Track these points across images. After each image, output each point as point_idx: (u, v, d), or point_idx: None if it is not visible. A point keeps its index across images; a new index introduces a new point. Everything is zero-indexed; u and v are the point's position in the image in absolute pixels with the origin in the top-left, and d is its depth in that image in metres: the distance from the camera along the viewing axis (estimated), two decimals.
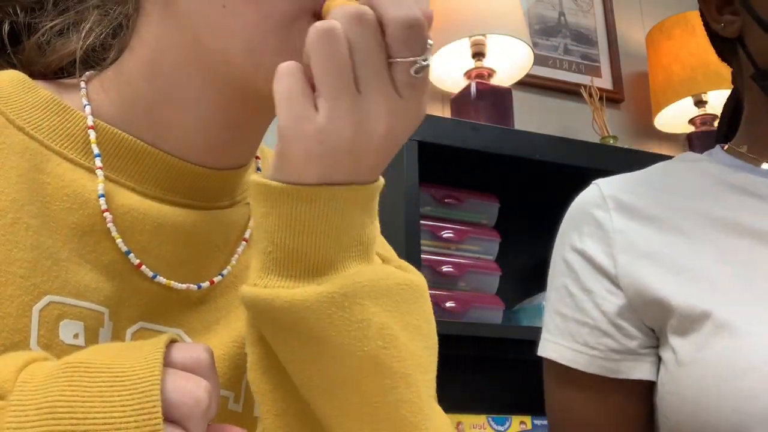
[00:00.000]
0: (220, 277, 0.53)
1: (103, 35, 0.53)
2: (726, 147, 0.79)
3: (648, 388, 0.71)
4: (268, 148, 0.63)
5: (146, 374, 0.35)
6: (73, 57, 0.52)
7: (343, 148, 0.40)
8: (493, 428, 1.38)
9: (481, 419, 1.37)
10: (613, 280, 0.72)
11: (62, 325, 0.44)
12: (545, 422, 1.43)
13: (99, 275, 0.47)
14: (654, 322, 0.70)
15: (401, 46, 0.40)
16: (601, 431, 0.71)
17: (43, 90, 0.50)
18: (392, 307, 0.42)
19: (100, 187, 0.48)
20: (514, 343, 1.37)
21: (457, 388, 1.30)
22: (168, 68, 0.49)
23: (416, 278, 0.46)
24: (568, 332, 0.73)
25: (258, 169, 0.59)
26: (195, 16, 0.48)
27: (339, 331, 0.39)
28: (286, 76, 0.40)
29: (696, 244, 0.70)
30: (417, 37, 0.40)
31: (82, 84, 0.52)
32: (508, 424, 1.39)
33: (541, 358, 0.76)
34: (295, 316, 0.39)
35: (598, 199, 0.77)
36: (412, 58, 0.40)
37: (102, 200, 0.48)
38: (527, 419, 1.41)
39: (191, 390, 0.36)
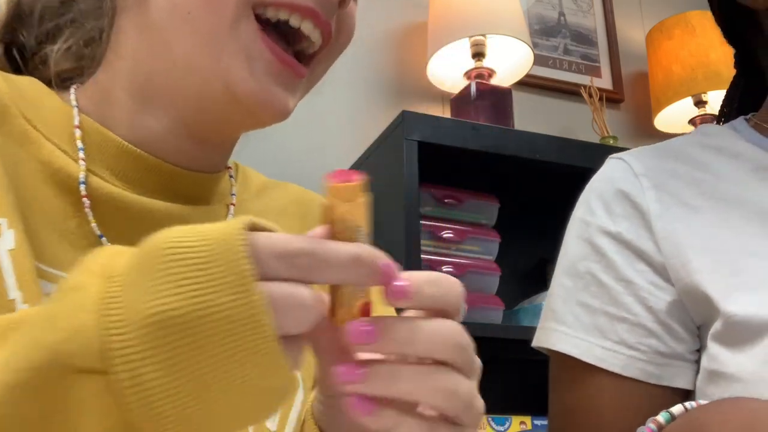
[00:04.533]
0: None
1: (76, 48, 0.59)
2: (752, 123, 0.71)
3: (683, 397, 0.62)
4: (244, 166, 0.67)
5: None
6: (57, 68, 0.58)
7: None
8: (493, 428, 1.38)
9: (481, 419, 1.37)
10: (661, 272, 0.63)
11: (42, 283, 0.46)
12: (545, 422, 1.43)
13: (76, 255, 0.48)
14: (701, 323, 0.62)
15: None
16: None
17: (54, 96, 0.56)
18: None
19: (82, 175, 0.51)
20: (514, 343, 1.37)
21: None
22: (142, 79, 0.54)
23: None
24: (595, 327, 0.63)
25: (230, 177, 0.62)
26: (165, 27, 0.53)
27: None
28: None
29: (748, 242, 0.61)
30: None
31: (72, 90, 0.56)
32: (508, 424, 1.39)
33: (540, 358, 0.69)
34: None
35: (630, 176, 0.68)
36: None
37: (82, 186, 0.51)
38: (527, 419, 1.41)
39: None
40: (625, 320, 0.63)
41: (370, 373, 0.35)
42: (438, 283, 0.37)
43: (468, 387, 0.38)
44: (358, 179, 0.35)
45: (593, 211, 0.68)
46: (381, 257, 0.34)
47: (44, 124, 0.53)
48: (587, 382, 0.63)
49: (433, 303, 0.37)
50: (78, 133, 0.53)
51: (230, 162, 0.64)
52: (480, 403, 0.39)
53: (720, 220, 0.63)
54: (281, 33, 0.54)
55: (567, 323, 0.65)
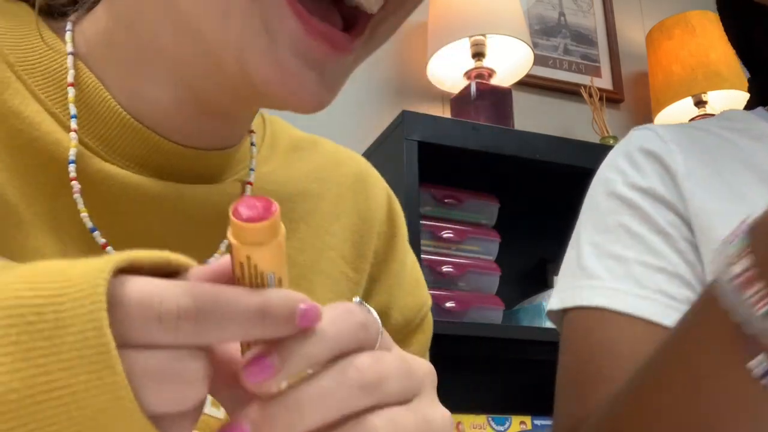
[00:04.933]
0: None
1: None
2: None
3: None
4: (273, 119, 0.56)
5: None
6: None
7: None
8: (493, 428, 1.38)
9: (481, 419, 1.37)
10: (691, 230, 0.62)
11: None
12: (545, 422, 1.43)
13: (60, 249, 0.41)
14: None
15: None
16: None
17: (46, 31, 0.45)
18: None
19: (72, 152, 0.42)
20: (514, 343, 1.37)
21: (457, 388, 1.30)
22: (144, 29, 0.43)
23: None
24: (630, 277, 0.61)
25: (252, 144, 0.51)
26: None
27: None
28: None
29: None
30: None
31: (69, 25, 0.45)
32: (508, 424, 1.39)
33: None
34: None
35: (657, 139, 0.67)
36: None
37: (72, 167, 0.41)
38: (527, 419, 1.41)
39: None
40: (663, 270, 0.61)
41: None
42: (318, 336, 0.29)
43: (411, 417, 0.30)
44: (273, 214, 0.27)
45: (621, 170, 0.67)
46: (297, 300, 0.28)
47: (31, 73, 0.43)
48: (614, 331, 0.60)
49: (328, 355, 0.29)
50: (71, 93, 0.43)
51: (257, 119, 0.53)
52: (440, 417, 0.32)
53: (744, 191, 0.62)
54: None
55: (599, 277, 0.62)
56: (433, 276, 1.38)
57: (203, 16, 0.39)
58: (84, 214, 0.42)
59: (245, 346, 0.29)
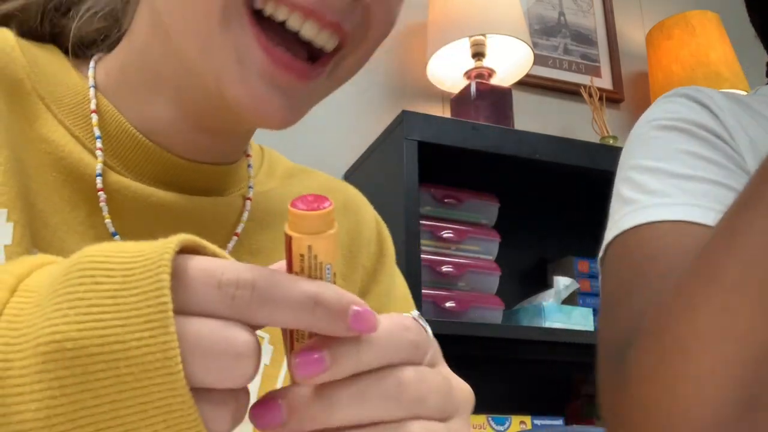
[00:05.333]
0: None
1: (99, 18, 0.55)
2: None
3: None
4: (271, 150, 0.64)
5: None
6: (80, 35, 0.54)
7: None
8: (493, 428, 1.38)
9: (481, 419, 1.37)
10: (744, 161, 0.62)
11: None
12: (545, 422, 1.43)
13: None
14: None
15: None
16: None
17: (72, 71, 0.52)
18: None
19: (99, 167, 0.49)
20: (514, 343, 1.37)
21: None
22: (152, 62, 0.50)
23: None
24: (706, 194, 0.59)
25: (249, 166, 0.58)
26: (163, 11, 0.48)
27: None
28: None
29: None
30: None
31: (92, 63, 0.53)
32: (508, 424, 1.39)
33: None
34: None
35: (700, 93, 0.67)
36: None
37: (99, 179, 0.48)
38: (527, 419, 1.41)
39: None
40: (717, 183, 0.60)
41: (289, 416, 0.29)
42: (372, 342, 0.30)
43: (431, 378, 0.32)
44: (329, 207, 0.29)
45: (674, 110, 0.66)
46: (351, 301, 0.28)
47: (59, 104, 0.50)
48: (668, 238, 0.57)
49: (377, 363, 0.30)
50: (95, 118, 0.50)
51: (255, 147, 0.61)
52: (459, 389, 0.34)
53: None
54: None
55: (670, 195, 0.60)
56: (433, 276, 1.38)
57: (191, 51, 0.47)
58: (107, 220, 0.48)
59: (295, 343, 0.30)
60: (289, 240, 0.29)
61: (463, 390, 0.35)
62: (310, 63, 0.47)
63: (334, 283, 0.30)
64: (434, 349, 0.34)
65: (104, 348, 0.25)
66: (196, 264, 0.27)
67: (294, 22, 0.46)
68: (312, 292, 0.28)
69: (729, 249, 0.49)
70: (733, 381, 0.46)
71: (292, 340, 0.30)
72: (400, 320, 0.31)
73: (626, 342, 0.53)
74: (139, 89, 0.51)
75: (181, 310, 0.26)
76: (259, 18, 0.46)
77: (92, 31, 0.54)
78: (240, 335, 0.27)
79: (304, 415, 0.29)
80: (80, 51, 0.55)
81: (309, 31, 0.46)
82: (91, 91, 0.51)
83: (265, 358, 0.51)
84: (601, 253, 0.65)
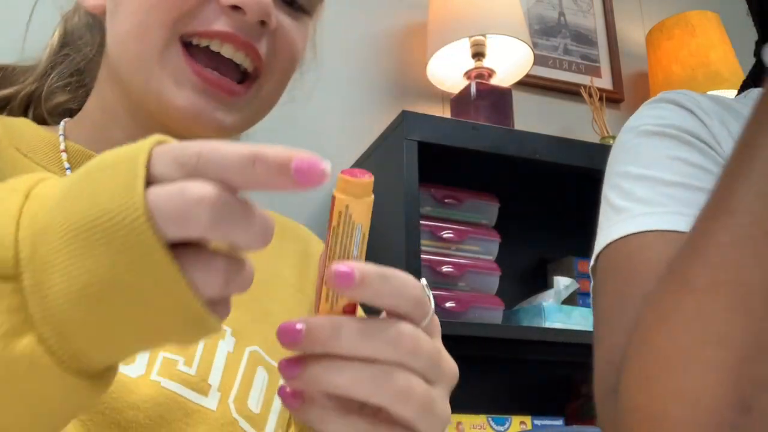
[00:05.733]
0: None
1: (68, 81, 0.70)
2: None
3: None
4: None
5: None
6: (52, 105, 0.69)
7: None
8: (493, 428, 1.38)
9: (481, 419, 1.37)
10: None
11: None
12: (545, 422, 1.43)
13: None
14: None
15: None
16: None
17: (41, 129, 0.63)
18: None
19: None
20: (514, 343, 1.37)
21: (457, 388, 1.30)
22: (111, 103, 0.63)
23: None
24: (694, 202, 0.57)
25: None
26: (112, 54, 0.61)
27: None
28: None
29: None
30: None
31: (62, 123, 0.65)
32: (508, 424, 1.39)
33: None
34: None
35: (684, 97, 0.68)
36: None
37: None
38: (527, 419, 1.41)
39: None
40: (702, 189, 0.59)
41: (303, 369, 0.35)
42: (389, 279, 0.35)
43: (424, 391, 0.36)
44: (369, 179, 0.35)
45: (660, 116, 0.67)
46: (294, 155, 0.30)
47: (33, 151, 0.60)
48: (658, 247, 0.57)
49: (382, 300, 0.36)
50: (64, 156, 0.60)
51: None
52: (443, 410, 0.37)
53: None
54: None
55: (661, 204, 0.60)
56: (433, 276, 1.38)
57: (136, 83, 0.60)
58: None
59: (323, 304, 0.36)
60: (333, 199, 0.35)
61: (450, 366, 0.39)
62: (239, 84, 0.60)
63: (362, 241, 0.35)
64: (434, 320, 0.38)
65: (96, 220, 0.29)
66: (163, 147, 0.31)
67: (216, 46, 0.58)
68: (250, 150, 0.30)
69: (696, 254, 0.48)
70: (723, 385, 0.45)
71: (319, 300, 0.36)
72: (413, 279, 0.37)
73: (617, 371, 0.52)
74: (100, 126, 0.63)
75: (150, 180, 0.30)
76: (196, 49, 0.58)
77: (60, 102, 0.68)
78: (192, 185, 0.29)
79: (317, 337, 0.35)
80: (52, 120, 0.68)
81: (227, 51, 0.59)
82: (60, 137, 0.62)
83: (229, 347, 0.57)
84: (592, 262, 0.65)
